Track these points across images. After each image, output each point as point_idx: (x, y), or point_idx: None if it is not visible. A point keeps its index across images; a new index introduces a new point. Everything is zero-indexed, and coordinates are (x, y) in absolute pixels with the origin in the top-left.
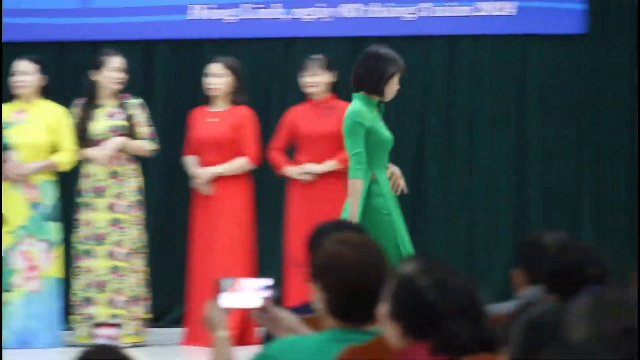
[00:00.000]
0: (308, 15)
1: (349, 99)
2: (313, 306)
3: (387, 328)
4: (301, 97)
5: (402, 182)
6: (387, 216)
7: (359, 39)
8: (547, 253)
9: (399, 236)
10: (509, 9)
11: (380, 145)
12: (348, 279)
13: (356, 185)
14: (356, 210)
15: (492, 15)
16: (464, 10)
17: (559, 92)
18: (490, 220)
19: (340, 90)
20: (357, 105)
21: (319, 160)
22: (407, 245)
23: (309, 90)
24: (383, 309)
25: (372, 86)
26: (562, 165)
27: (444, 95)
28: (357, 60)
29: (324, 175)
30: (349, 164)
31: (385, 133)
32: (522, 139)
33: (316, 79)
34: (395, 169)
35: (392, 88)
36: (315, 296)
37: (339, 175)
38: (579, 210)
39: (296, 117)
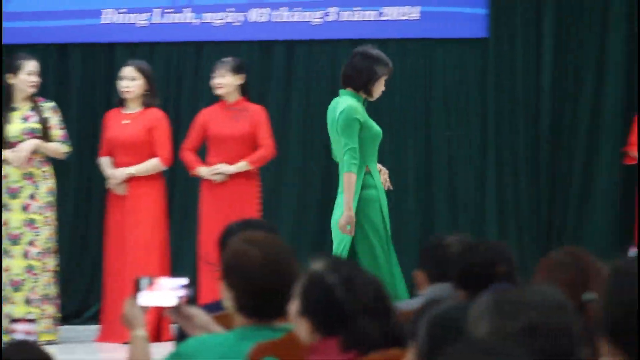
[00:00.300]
0: (218, 19)
1: (258, 102)
2: (223, 304)
3: (297, 325)
4: (212, 99)
5: (387, 179)
6: (380, 206)
7: (268, 43)
8: (448, 254)
9: (388, 227)
10: (412, 13)
11: (372, 139)
12: (253, 277)
13: (351, 180)
14: (351, 203)
15: (397, 20)
16: (369, 15)
17: (463, 94)
18: (397, 220)
19: (251, 93)
20: (349, 101)
21: (229, 161)
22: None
23: (218, 92)
24: (293, 306)
25: (360, 85)
26: (467, 167)
27: None
28: (348, 59)
29: (234, 176)
30: (345, 159)
31: (376, 127)
32: (428, 141)
33: (224, 81)
34: (381, 166)
35: (379, 89)
36: (224, 294)
37: (249, 176)
38: (483, 211)
39: (207, 118)
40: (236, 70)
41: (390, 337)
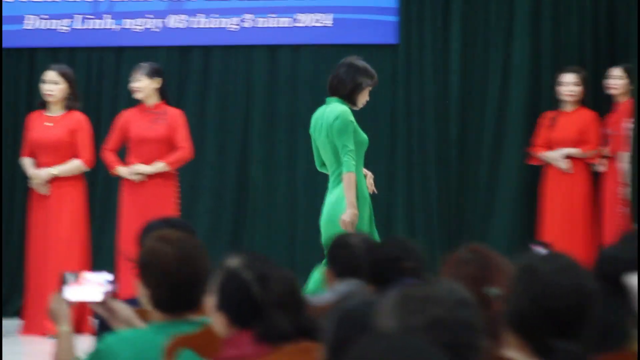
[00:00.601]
0: (138, 25)
1: (176, 105)
2: (139, 300)
3: (214, 318)
4: (132, 102)
5: (372, 182)
6: (368, 209)
7: (186, 48)
8: (353, 252)
9: (374, 234)
10: (325, 20)
11: (359, 145)
12: (167, 274)
13: (352, 179)
14: (354, 201)
15: (311, 27)
16: (284, 22)
17: (374, 98)
18: (310, 218)
19: (169, 97)
20: (341, 106)
21: (148, 162)
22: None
23: (136, 95)
24: (210, 301)
25: (345, 94)
26: (377, 167)
27: (265, 101)
28: (334, 69)
29: (153, 176)
30: (344, 159)
31: (363, 134)
32: None
33: (140, 85)
34: (366, 171)
35: (363, 98)
36: (140, 291)
37: (167, 177)
38: (393, 210)
39: (127, 120)
40: (152, 74)
41: (302, 330)
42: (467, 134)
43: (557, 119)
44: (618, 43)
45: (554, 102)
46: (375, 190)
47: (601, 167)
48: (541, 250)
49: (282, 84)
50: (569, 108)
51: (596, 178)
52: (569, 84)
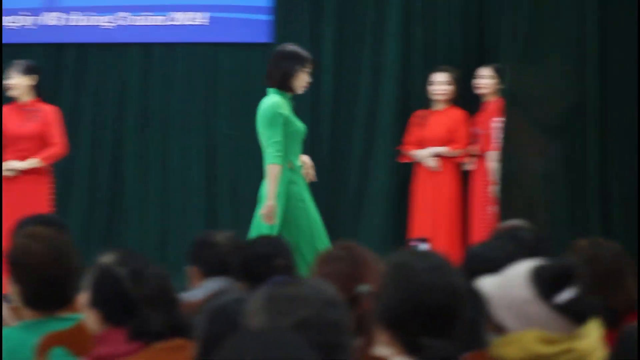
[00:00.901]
0: (12, 23)
1: (51, 102)
2: (11, 297)
3: (87, 315)
4: (7, 99)
5: (312, 171)
6: (301, 202)
7: (61, 46)
8: (218, 250)
9: (312, 222)
10: (201, 19)
11: (295, 135)
12: (36, 271)
13: (275, 171)
14: (274, 194)
15: (185, 25)
16: (159, 20)
17: (248, 96)
18: (182, 215)
19: (44, 94)
20: (274, 97)
21: (22, 159)
22: (320, 230)
23: (10, 92)
24: (83, 297)
25: (279, 83)
26: (250, 166)
27: (140, 99)
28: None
29: (26, 172)
30: (268, 151)
31: (299, 124)
32: (212, 140)
33: (15, 82)
34: (306, 159)
35: (299, 83)
36: (11, 288)
37: (41, 173)
38: None
39: (2, 117)
40: (27, 71)
41: (176, 327)
42: (338, 132)
43: (428, 118)
44: (487, 43)
45: (425, 101)
46: (313, 179)
47: (470, 166)
48: (421, 246)
49: (157, 82)
50: (439, 107)
51: (466, 177)
52: (439, 84)
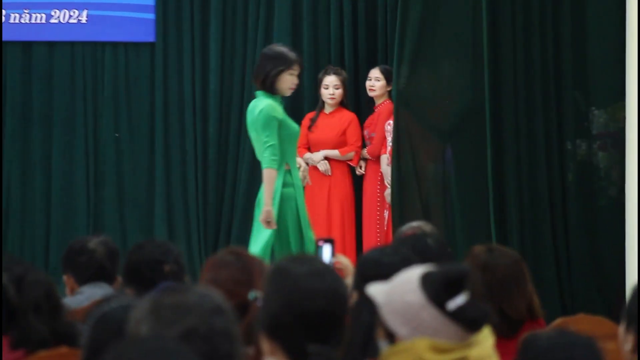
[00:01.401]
0: None
1: None
2: None
3: None
4: None
5: (307, 174)
6: (296, 204)
7: None
8: (93, 257)
9: (303, 225)
10: (81, 17)
11: (290, 137)
12: None
13: (271, 175)
14: (271, 199)
15: (66, 23)
16: (39, 18)
17: (131, 96)
18: (66, 218)
19: None
20: (266, 100)
21: None
22: (309, 234)
23: None
24: None
25: (263, 85)
26: (135, 167)
27: (20, 99)
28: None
29: None
30: (264, 155)
31: (294, 125)
32: (97, 142)
33: None
34: (302, 162)
35: (284, 84)
36: None
37: None
38: (152, 211)
39: None
40: None
41: (60, 335)
42: (226, 133)
43: (317, 121)
44: (378, 44)
45: (314, 103)
46: (309, 182)
47: (361, 169)
48: (325, 247)
49: (37, 82)
50: (328, 109)
51: (359, 180)
52: (329, 86)
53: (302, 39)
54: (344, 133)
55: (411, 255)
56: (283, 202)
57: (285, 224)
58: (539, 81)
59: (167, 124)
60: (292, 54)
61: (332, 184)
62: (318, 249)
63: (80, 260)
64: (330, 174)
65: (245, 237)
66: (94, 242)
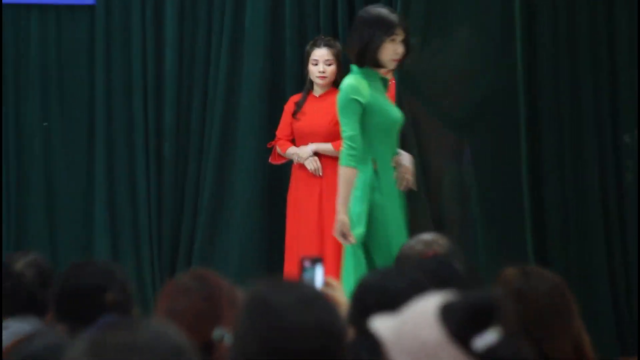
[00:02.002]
0: None
1: None
2: None
3: None
4: None
5: (409, 176)
6: (382, 215)
7: None
8: (20, 282)
9: (391, 238)
10: None
11: (383, 126)
12: None
13: (346, 175)
14: (344, 206)
15: None
16: None
17: (63, 73)
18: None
19: None
20: (351, 79)
21: None
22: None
23: None
24: None
25: (359, 57)
26: (70, 165)
27: None
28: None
29: None
30: (341, 149)
31: (390, 112)
32: (17, 132)
33: None
34: (404, 160)
35: (388, 55)
36: None
37: None
38: (91, 224)
39: None
40: None
41: None
42: (187, 122)
43: (304, 106)
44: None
45: (300, 83)
46: (411, 186)
47: None
48: (317, 269)
49: None
50: (318, 92)
51: None
52: (319, 62)
53: (282, 0)
54: (337, 122)
55: (421, 278)
56: (371, 212)
57: (371, 239)
58: (587, 56)
59: (110, 111)
60: (393, 16)
61: (324, 187)
62: (303, 270)
63: (4, 287)
64: (320, 174)
65: (211, 255)
66: (21, 264)
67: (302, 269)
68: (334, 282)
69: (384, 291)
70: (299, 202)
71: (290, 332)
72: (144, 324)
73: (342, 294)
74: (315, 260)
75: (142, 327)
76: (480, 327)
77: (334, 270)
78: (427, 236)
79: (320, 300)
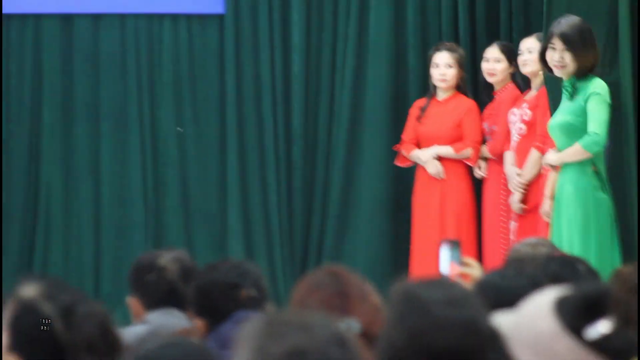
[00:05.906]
0: None
1: None
2: None
3: None
4: None
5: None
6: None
7: None
8: (163, 275)
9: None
10: None
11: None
12: None
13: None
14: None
15: None
16: None
17: (196, 80)
18: (120, 234)
19: None
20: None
21: None
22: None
23: None
24: (4, 339)
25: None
26: (204, 170)
27: (60, 87)
28: None
29: None
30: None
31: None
32: (153, 138)
33: None
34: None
35: (552, 59)
36: None
37: None
38: (225, 224)
39: None
40: None
41: None
42: (314, 126)
43: (428, 109)
44: (500, 13)
45: (422, 88)
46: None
47: (480, 170)
48: (451, 249)
49: (80, 64)
50: (441, 95)
51: (479, 184)
52: (440, 65)
53: (405, 7)
54: (459, 125)
55: (539, 276)
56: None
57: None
58: None
59: (241, 116)
60: (552, 25)
61: (446, 190)
62: (442, 250)
63: (147, 280)
64: (442, 177)
65: (339, 255)
66: (165, 258)
67: (441, 249)
68: (472, 262)
69: (501, 289)
70: (421, 204)
71: (438, 328)
72: (302, 312)
73: (479, 273)
74: (454, 242)
75: (309, 314)
76: (593, 317)
77: None
78: (532, 239)
79: (470, 299)
